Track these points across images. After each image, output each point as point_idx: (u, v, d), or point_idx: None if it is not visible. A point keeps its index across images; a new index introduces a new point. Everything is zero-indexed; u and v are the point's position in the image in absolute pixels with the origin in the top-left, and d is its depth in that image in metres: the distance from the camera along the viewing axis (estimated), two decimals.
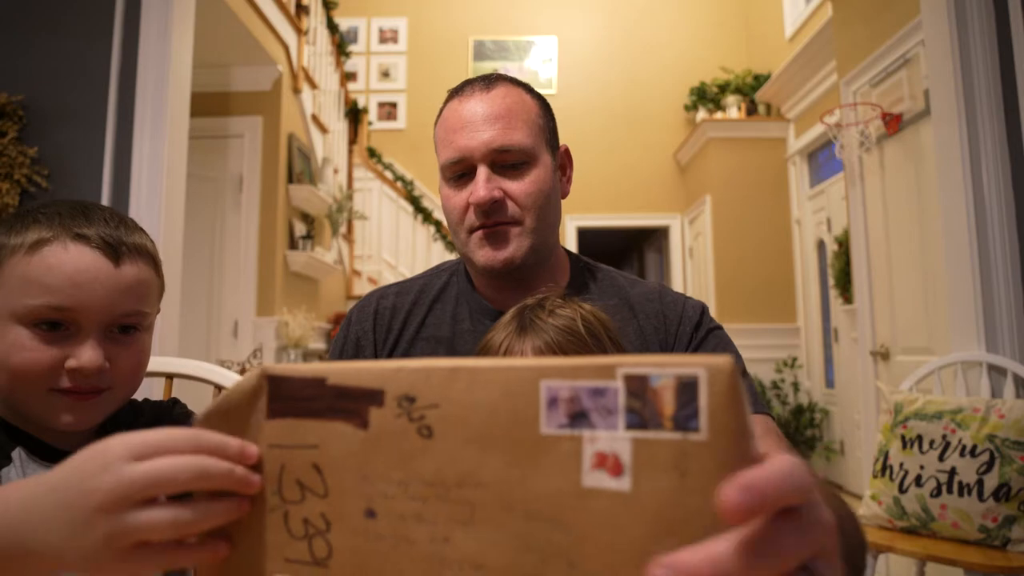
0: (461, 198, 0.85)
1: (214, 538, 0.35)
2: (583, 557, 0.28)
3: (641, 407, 0.28)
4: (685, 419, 0.27)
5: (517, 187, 0.84)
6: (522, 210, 0.84)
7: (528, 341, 0.69)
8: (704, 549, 0.26)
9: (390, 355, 0.89)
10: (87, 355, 0.63)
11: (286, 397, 0.35)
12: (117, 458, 0.34)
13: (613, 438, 0.28)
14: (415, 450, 0.32)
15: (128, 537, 0.33)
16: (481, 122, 0.84)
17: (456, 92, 0.89)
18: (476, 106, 0.85)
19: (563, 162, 0.94)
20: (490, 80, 0.88)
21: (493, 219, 0.84)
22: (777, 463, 0.27)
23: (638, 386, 0.28)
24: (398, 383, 0.32)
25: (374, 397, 0.33)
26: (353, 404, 0.33)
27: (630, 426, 0.28)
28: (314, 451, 0.34)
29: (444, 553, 0.31)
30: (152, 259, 0.70)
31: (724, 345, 0.87)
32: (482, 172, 0.83)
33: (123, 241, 0.66)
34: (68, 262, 0.62)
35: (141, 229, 0.71)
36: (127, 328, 0.67)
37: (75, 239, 0.63)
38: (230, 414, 0.35)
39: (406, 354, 0.89)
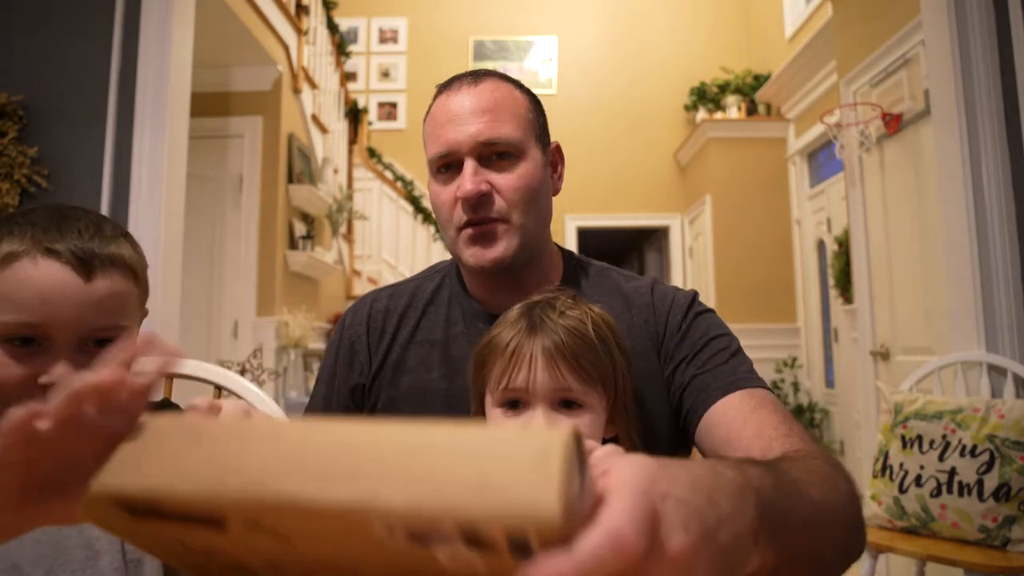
0: (448, 192, 0.84)
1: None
2: None
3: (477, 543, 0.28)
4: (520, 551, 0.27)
5: (504, 180, 0.82)
6: (510, 205, 0.82)
7: (538, 341, 0.70)
8: None
9: (384, 358, 0.89)
10: (59, 373, 0.62)
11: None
12: None
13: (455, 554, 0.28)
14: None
15: None
16: (468, 115, 0.82)
17: (444, 87, 0.88)
18: (464, 99, 0.83)
19: (554, 159, 0.92)
20: (478, 75, 0.87)
21: (480, 214, 0.82)
22: (577, 550, 0.26)
23: (472, 532, 0.28)
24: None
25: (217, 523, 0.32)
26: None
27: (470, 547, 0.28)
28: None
29: None
30: (130, 269, 0.68)
31: (716, 327, 0.85)
32: (469, 165, 0.81)
33: (95, 254, 0.65)
34: (37, 277, 0.62)
35: (122, 235, 0.70)
36: (103, 341, 0.66)
37: (45, 254, 0.62)
38: None
39: (400, 358, 0.88)
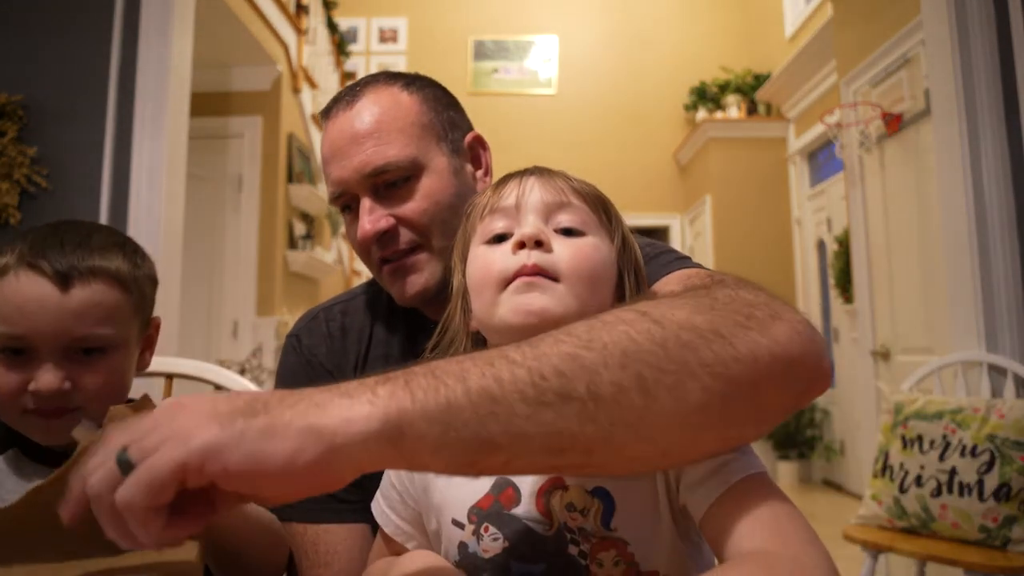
0: (355, 231, 0.77)
1: None
2: None
3: None
4: None
5: (407, 208, 0.75)
6: (421, 231, 0.75)
7: (533, 172, 0.60)
8: None
9: (355, 375, 0.79)
10: (44, 378, 0.66)
11: None
12: None
13: None
14: None
15: None
16: (349, 145, 0.74)
17: (325, 113, 0.79)
18: (342, 126, 0.76)
19: (476, 152, 0.84)
20: (355, 91, 0.78)
21: (391, 249, 0.76)
22: None
23: None
24: None
25: None
26: None
27: None
28: None
29: None
30: (116, 279, 0.70)
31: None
32: (364, 204, 0.75)
33: (75, 266, 0.67)
34: (19, 291, 0.66)
35: (115, 246, 0.71)
36: (91, 350, 0.69)
37: (28, 268, 0.66)
38: None
39: (364, 375, 0.79)
